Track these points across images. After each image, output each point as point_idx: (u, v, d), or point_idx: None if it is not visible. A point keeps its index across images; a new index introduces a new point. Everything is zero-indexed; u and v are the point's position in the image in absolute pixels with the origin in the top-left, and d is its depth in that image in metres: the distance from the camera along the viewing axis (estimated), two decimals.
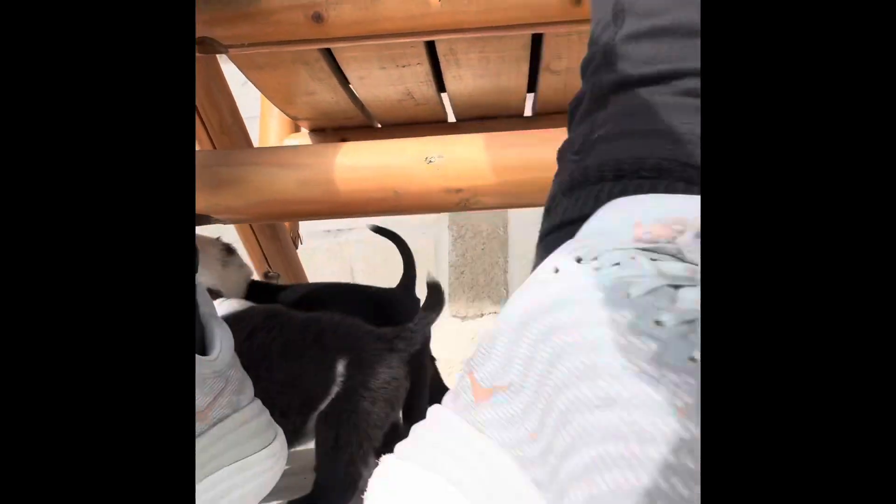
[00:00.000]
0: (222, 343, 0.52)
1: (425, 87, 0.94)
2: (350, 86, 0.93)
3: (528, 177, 0.59)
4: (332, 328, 0.73)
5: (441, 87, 0.96)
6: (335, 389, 0.71)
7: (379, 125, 1.07)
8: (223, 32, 0.62)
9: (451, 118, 1.10)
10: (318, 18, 0.64)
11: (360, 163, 0.60)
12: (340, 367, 0.71)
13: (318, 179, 0.59)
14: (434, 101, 1.00)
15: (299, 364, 0.72)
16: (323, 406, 0.71)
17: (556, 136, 0.60)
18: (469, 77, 0.90)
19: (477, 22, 0.64)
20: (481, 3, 0.63)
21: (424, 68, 0.88)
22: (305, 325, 0.74)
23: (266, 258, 1.03)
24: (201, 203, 0.61)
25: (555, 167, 0.58)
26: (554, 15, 0.63)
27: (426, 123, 1.08)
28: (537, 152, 0.59)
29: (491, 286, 1.54)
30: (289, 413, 0.71)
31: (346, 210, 0.62)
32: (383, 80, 0.90)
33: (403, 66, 0.86)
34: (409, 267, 0.94)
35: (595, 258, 0.30)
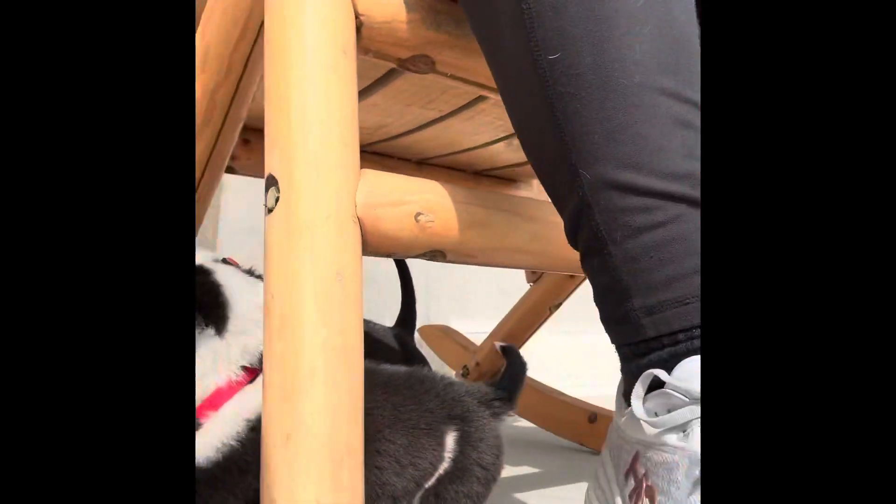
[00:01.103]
0: None
1: (411, 125, 0.87)
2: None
3: None
4: (434, 389, 0.62)
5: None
6: (443, 466, 0.61)
7: None
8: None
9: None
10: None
11: None
12: (450, 441, 0.61)
13: (548, 236, 0.53)
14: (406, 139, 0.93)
15: (414, 435, 0.60)
16: (428, 485, 0.60)
17: None
18: (472, 130, 0.87)
19: None
20: None
21: (443, 112, 0.81)
22: (409, 384, 0.62)
23: None
24: (450, 240, 0.48)
25: None
26: None
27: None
28: None
29: None
30: (402, 498, 0.59)
31: (563, 266, 0.56)
32: (395, 112, 0.81)
33: (426, 105, 0.79)
34: (409, 299, 0.87)
35: None
